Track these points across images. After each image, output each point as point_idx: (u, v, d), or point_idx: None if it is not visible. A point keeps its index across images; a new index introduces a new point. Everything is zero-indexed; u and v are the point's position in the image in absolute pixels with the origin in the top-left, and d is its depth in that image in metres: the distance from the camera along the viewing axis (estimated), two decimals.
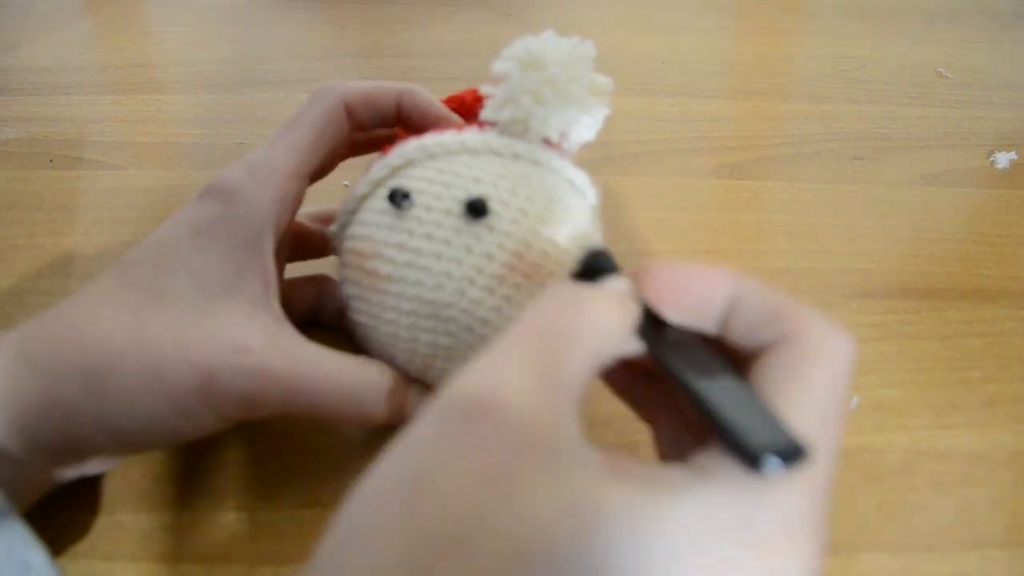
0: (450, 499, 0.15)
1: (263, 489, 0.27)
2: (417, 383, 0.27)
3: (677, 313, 0.19)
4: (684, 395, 0.18)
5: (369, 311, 0.26)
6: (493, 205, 0.25)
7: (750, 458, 0.15)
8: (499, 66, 0.26)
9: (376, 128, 0.30)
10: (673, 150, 0.48)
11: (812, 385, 0.17)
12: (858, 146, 0.49)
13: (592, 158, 0.49)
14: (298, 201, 0.27)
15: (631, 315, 0.19)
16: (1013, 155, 0.48)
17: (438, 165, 0.26)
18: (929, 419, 0.31)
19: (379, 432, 0.29)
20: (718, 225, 0.42)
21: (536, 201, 0.25)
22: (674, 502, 0.15)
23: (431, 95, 0.29)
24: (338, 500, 0.27)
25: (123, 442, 0.24)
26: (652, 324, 0.19)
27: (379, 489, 0.16)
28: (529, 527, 0.14)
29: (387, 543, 0.14)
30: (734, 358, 0.19)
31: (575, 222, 0.26)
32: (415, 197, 0.25)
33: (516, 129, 0.27)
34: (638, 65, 0.58)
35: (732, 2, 0.72)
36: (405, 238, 0.25)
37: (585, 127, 0.27)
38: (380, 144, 0.31)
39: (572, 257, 0.25)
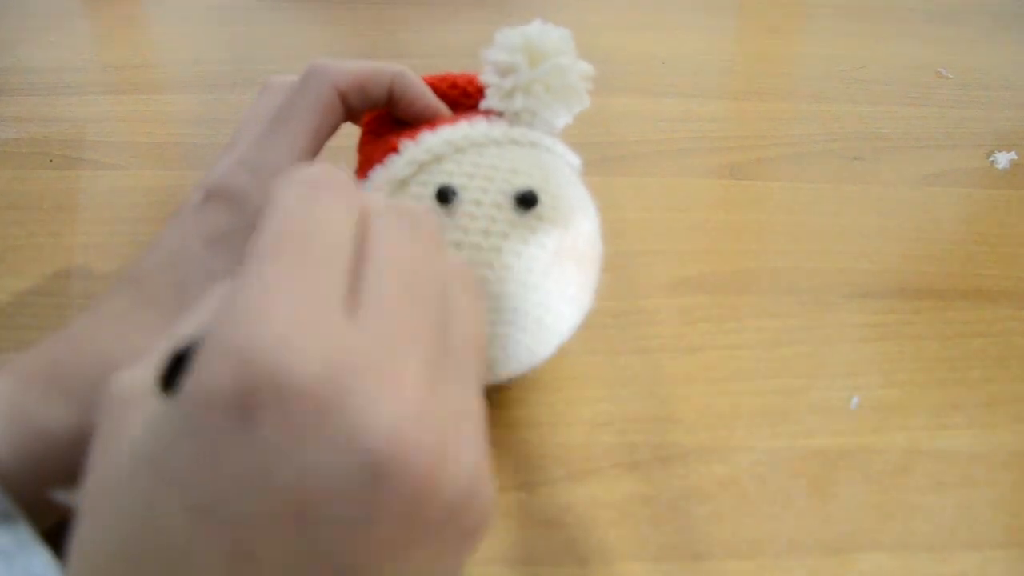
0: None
1: None
2: None
3: None
4: None
5: None
6: (539, 195, 0.25)
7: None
8: (501, 56, 0.27)
9: (364, 111, 0.29)
10: (673, 150, 0.48)
11: (261, 231, 0.16)
12: (858, 146, 0.49)
13: (592, 158, 0.49)
14: None
15: None
16: (1013, 155, 0.48)
17: (469, 159, 0.26)
18: (929, 419, 0.31)
19: None
20: (718, 225, 0.42)
21: (563, 187, 0.27)
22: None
23: (421, 81, 0.28)
24: None
25: None
26: None
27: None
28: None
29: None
30: None
31: (588, 202, 0.28)
32: (460, 193, 0.25)
33: (526, 118, 0.27)
34: (638, 65, 0.58)
35: (732, 2, 0.72)
36: (460, 235, 0.25)
37: (576, 111, 0.28)
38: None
39: (597, 237, 0.28)
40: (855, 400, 0.31)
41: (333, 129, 0.27)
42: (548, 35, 0.27)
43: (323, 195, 0.17)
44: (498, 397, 0.31)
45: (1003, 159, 0.48)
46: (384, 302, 0.15)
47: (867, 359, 0.33)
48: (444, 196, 0.25)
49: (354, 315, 0.15)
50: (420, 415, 0.14)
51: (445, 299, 0.17)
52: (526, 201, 0.25)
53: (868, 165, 0.47)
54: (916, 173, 0.46)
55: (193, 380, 0.14)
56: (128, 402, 0.15)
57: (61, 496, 0.23)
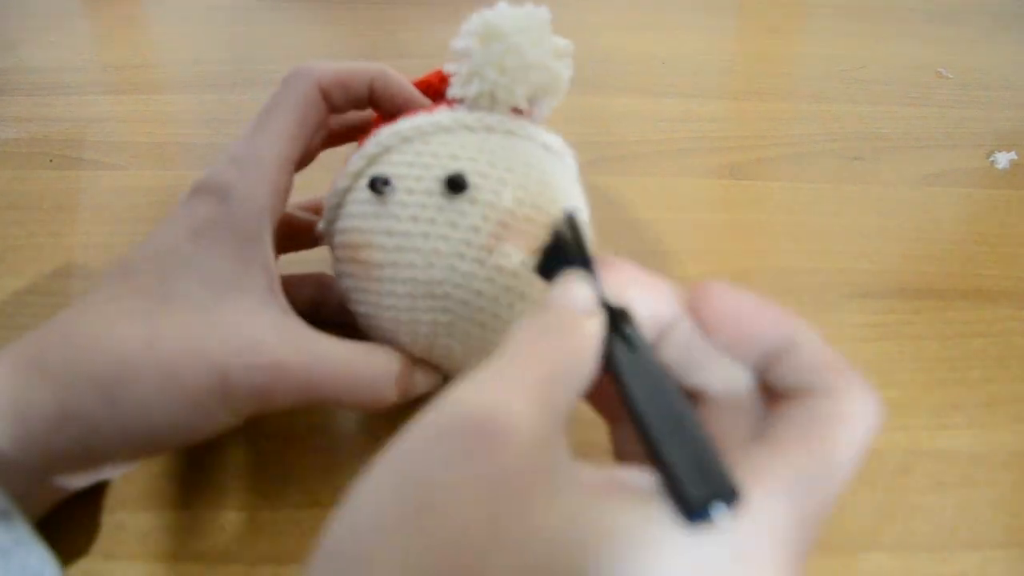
0: (457, 519, 0.14)
1: (263, 489, 0.27)
2: (422, 362, 0.27)
3: (724, 340, 0.19)
4: (634, 424, 0.17)
5: (368, 300, 0.26)
6: (472, 178, 0.25)
7: (684, 506, 0.15)
8: (459, 42, 0.26)
9: (350, 110, 0.30)
10: (673, 150, 0.48)
11: (832, 445, 0.17)
12: (858, 146, 0.49)
13: (592, 158, 0.49)
14: (288, 190, 0.27)
15: (600, 334, 0.19)
16: (1013, 155, 0.48)
17: (414, 148, 0.26)
18: (929, 419, 0.31)
19: (378, 432, 0.29)
20: (718, 225, 0.42)
21: (515, 169, 0.26)
22: (665, 522, 0.15)
23: (402, 77, 0.29)
24: (338, 500, 0.27)
25: (140, 447, 0.24)
26: (623, 336, 0.19)
27: (379, 506, 0.15)
28: (537, 542, 0.14)
29: (391, 562, 0.14)
30: (761, 389, 0.19)
31: (555, 185, 0.26)
32: (395, 182, 0.25)
33: (484, 102, 0.27)
34: (638, 65, 0.58)
35: (732, 2, 0.72)
36: (392, 223, 0.25)
37: (551, 91, 0.27)
38: (356, 134, 0.31)
39: (554, 219, 0.25)
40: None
41: (317, 124, 0.28)
42: (507, 15, 0.26)
43: None
44: None
45: (1003, 159, 0.48)
46: None
47: (867, 359, 0.33)
48: (374, 186, 0.25)
49: None
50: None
51: None
52: (454, 184, 0.25)
53: (868, 165, 0.47)
54: (916, 173, 0.46)
55: (442, 405, 0.16)
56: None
57: (54, 480, 0.23)
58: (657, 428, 0.16)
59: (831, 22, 0.68)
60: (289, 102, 0.27)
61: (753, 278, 0.38)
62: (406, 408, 0.27)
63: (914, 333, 0.35)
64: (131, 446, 0.23)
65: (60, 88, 0.53)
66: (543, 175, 0.26)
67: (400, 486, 0.15)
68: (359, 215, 0.26)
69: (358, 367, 0.25)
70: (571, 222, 0.21)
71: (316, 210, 0.33)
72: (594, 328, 0.18)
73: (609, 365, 0.18)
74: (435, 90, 0.30)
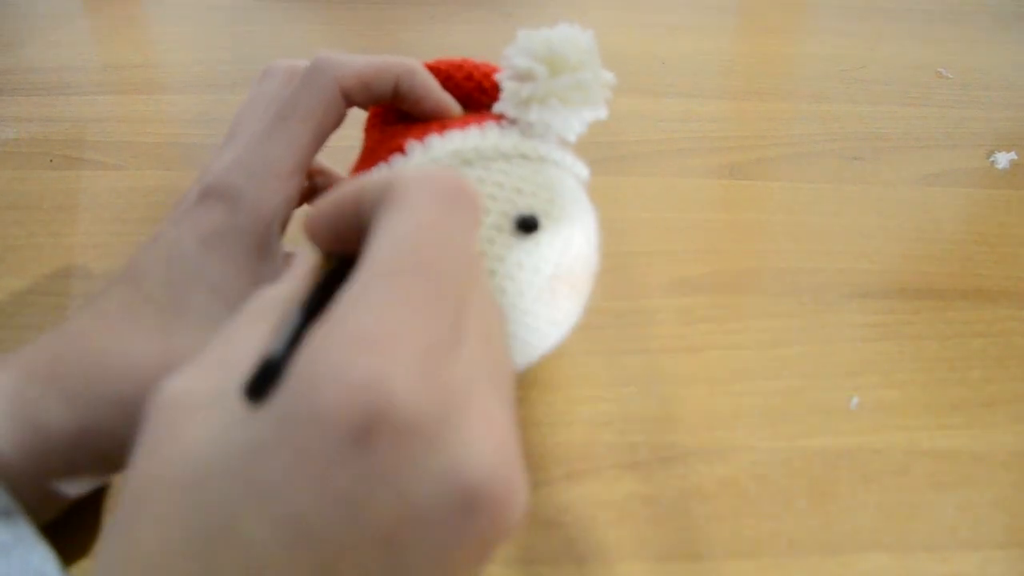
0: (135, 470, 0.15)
1: None
2: None
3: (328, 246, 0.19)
4: None
5: None
6: (540, 219, 0.25)
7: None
8: (522, 63, 0.26)
9: (369, 105, 0.28)
10: (673, 150, 0.48)
11: (386, 237, 0.16)
12: (858, 146, 0.49)
13: (592, 158, 0.49)
14: (300, 195, 0.27)
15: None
16: (1013, 155, 0.48)
17: (475, 173, 0.25)
18: (929, 419, 0.31)
19: None
20: (718, 225, 0.42)
21: (566, 208, 0.26)
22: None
23: (430, 78, 0.28)
24: None
25: None
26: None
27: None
28: (181, 465, 0.15)
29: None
30: None
31: (590, 219, 0.27)
32: None
33: (539, 130, 0.27)
34: (638, 65, 0.58)
35: (732, 2, 0.72)
36: None
37: (591, 122, 0.27)
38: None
39: (594, 256, 0.27)
40: (855, 400, 0.31)
41: (335, 126, 0.27)
42: (573, 43, 0.26)
43: (458, 215, 0.16)
44: None
45: (1003, 159, 0.48)
46: (475, 341, 0.16)
47: (867, 359, 0.33)
48: None
49: (457, 350, 0.15)
50: (506, 451, 0.15)
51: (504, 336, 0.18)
52: (527, 226, 0.25)
53: (868, 165, 0.47)
54: (916, 173, 0.46)
55: (299, 398, 0.14)
56: (185, 408, 0.15)
57: (66, 487, 0.23)
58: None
59: (831, 22, 0.68)
60: (308, 104, 0.26)
61: (753, 278, 0.38)
62: None
63: (914, 333, 0.35)
64: None
65: (60, 88, 0.53)
66: (584, 212, 0.27)
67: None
68: None
69: None
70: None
71: (308, 174, 0.32)
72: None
73: None
74: (457, 86, 0.29)
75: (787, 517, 0.27)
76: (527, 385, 0.31)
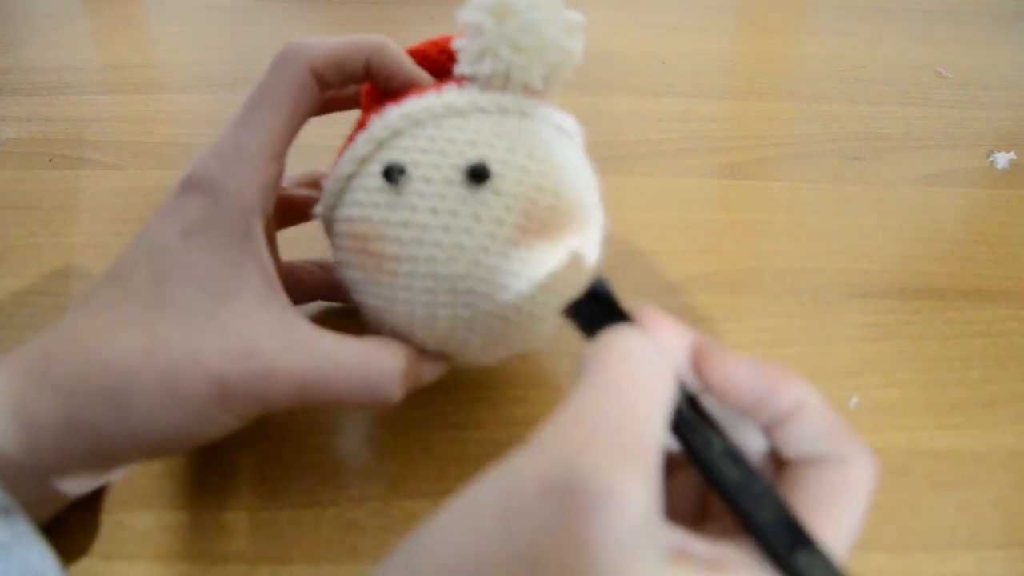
0: None
1: (262, 489, 0.27)
2: (429, 352, 0.26)
3: (738, 402, 0.19)
4: (716, 491, 0.18)
5: (379, 293, 0.25)
6: (494, 167, 0.24)
7: (781, 561, 0.17)
8: (469, 17, 0.25)
9: (344, 86, 0.28)
10: (673, 150, 0.48)
11: (849, 514, 0.18)
12: (858, 146, 0.49)
13: (592, 158, 0.49)
14: (279, 180, 0.26)
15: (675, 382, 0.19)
16: (1012, 155, 0.48)
17: (428, 132, 0.25)
18: (929, 419, 0.31)
19: (379, 433, 0.29)
20: (718, 225, 0.42)
21: (534, 155, 0.24)
22: None
23: (400, 51, 0.27)
24: (337, 500, 0.27)
25: (148, 451, 0.24)
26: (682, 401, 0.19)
27: (486, 555, 0.15)
28: None
29: None
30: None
31: (572, 169, 0.26)
32: (410, 170, 0.24)
33: (497, 82, 0.25)
34: (638, 65, 0.58)
35: (732, 2, 0.72)
36: (408, 215, 0.24)
37: (565, 69, 0.26)
38: (348, 102, 0.30)
39: (579, 206, 0.25)
40: (855, 400, 0.31)
41: (311, 108, 0.27)
42: None
43: None
44: (498, 396, 0.31)
45: (1003, 159, 0.48)
46: None
47: (867, 359, 0.33)
48: (390, 174, 0.24)
49: None
50: None
51: None
52: (477, 174, 0.23)
53: (868, 165, 0.47)
54: (916, 173, 0.46)
55: (540, 460, 0.16)
56: (622, 539, 0.15)
57: (64, 485, 0.23)
58: (744, 498, 0.18)
59: (831, 22, 0.68)
60: (279, 90, 0.25)
61: (753, 278, 0.38)
62: (410, 406, 0.27)
63: (914, 333, 0.35)
64: (139, 450, 0.23)
65: (60, 88, 0.53)
66: (561, 159, 0.25)
67: (510, 533, 0.15)
68: (368, 204, 0.25)
69: (360, 366, 0.24)
70: (604, 286, 0.21)
71: (314, 183, 0.32)
72: (674, 372, 0.19)
73: (676, 427, 0.19)
74: (432, 62, 0.28)
75: None
76: (527, 385, 0.31)
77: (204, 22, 0.65)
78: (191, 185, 0.25)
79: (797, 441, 0.19)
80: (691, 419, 0.19)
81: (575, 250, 0.25)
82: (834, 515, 0.18)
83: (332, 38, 0.26)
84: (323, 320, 0.33)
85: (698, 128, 0.50)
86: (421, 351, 0.26)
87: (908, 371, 0.33)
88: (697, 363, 0.20)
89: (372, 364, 0.24)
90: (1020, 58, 0.62)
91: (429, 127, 0.25)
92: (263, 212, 0.25)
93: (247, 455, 0.28)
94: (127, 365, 0.22)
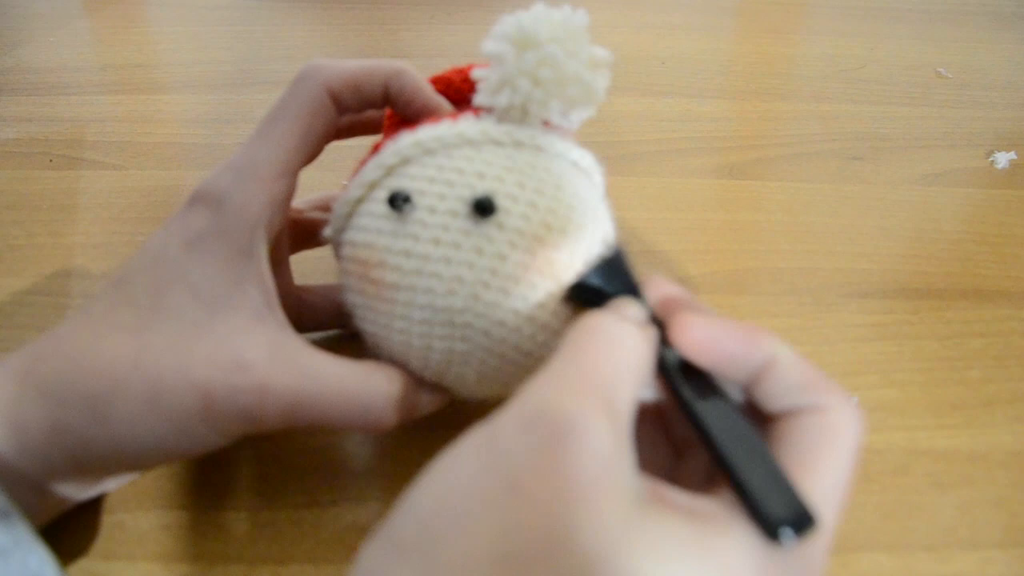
0: (544, 509, 0.16)
1: (262, 489, 0.27)
2: (430, 383, 0.26)
3: (710, 363, 0.20)
4: (703, 440, 0.19)
5: (377, 320, 0.25)
6: (501, 201, 0.23)
7: (768, 529, 0.17)
8: (490, 47, 0.24)
9: (364, 110, 0.28)
10: (673, 150, 0.48)
11: (832, 461, 0.18)
12: (858, 146, 0.49)
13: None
14: (289, 199, 0.26)
15: (653, 347, 0.20)
16: (1012, 155, 0.48)
17: (437, 161, 0.24)
18: (929, 419, 0.31)
19: (377, 434, 0.29)
20: (718, 225, 0.42)
21: (544, 192, 0.24)
22: (707, 542, 0.16)
23: (420, 77, 0.27)
24: (337, 500, 0.27)
25: (132, 462, 0.24)
26: (674, 362, 0.21)
27: (471, 486, 0.16)
28: (601, 547, 0.15)
29: (482, 541, 0.15)
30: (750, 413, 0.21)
31: (585, 208, 0.25)
32: (416, 199, 0.24)
33: (515, 115, 0.25)
34: (638, 65, 0.58)
35: (732, 2, 0.72)
36: (410, 244, 0.23)
37: (586, 105, 0.25)
38: (369, 127, 0.30)
39: (585, 248, 0.24)
40: (855, 400, 0.31)
41: (327, 129, 0.26)
42: (543, 20, 0.24)
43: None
44: (498, 397, 0.31)
45: (1003, 159, 0.48)
46: None
47: (867, 359, 0.33)
48: (394, 202, 0.23)
49: None
50: None
51: None
52: (481, 208, 0.23)
53: (868, 165, 0.47)
54: (916, 173, 0.46)
55: (523, 402, 0.18)
56: (593, 475, 0.17)
57: (65, 490, 0.23)
58: (732, 450, 0.18)
59: (831, 22, 0.68)
60: (294, 108, 0.26)
61: (752, 278, 0.38)
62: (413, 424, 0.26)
63: (914, 333, 0.35)
64: (123, 461, 0.23)
65: (60, 88, 0.53)
66: (572, 198, 0.24)
67: (491, 465, 0.17)
68: (373, 230, 0.24)
69: (353, 389, 0.23)
70: (618, 256, 0.23)
71: (325, 208, 0.32)
72: (648, 339, 0.20)
73: (669, 382, 0.20)
74: (456, 90, 0.28)
75: None
76: None
77: (204, 22, 0.65)
78: (199, 198, 0.25)
79: (773, 396, 0.20)
80: (684, 377, 0.20)
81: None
82: (816, 465, 0.18)
83: (352, 60, 0.26)
84: (333, 346, 0.33)
85: (698, 128, 0.50)
86: (420, 380, 0.25)
87: (907, 371, 0.33)
88: (668, 327, 0.21)
89: (367, 387, 0.23)
90: (1020, 58, 0.62)
91: (440, 156, 0.24)
92: (268, 228, 0.25)
93: (247, 455, 0.28)
94: (113, 372, 0.22)
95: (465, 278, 0.23)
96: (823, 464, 0.18)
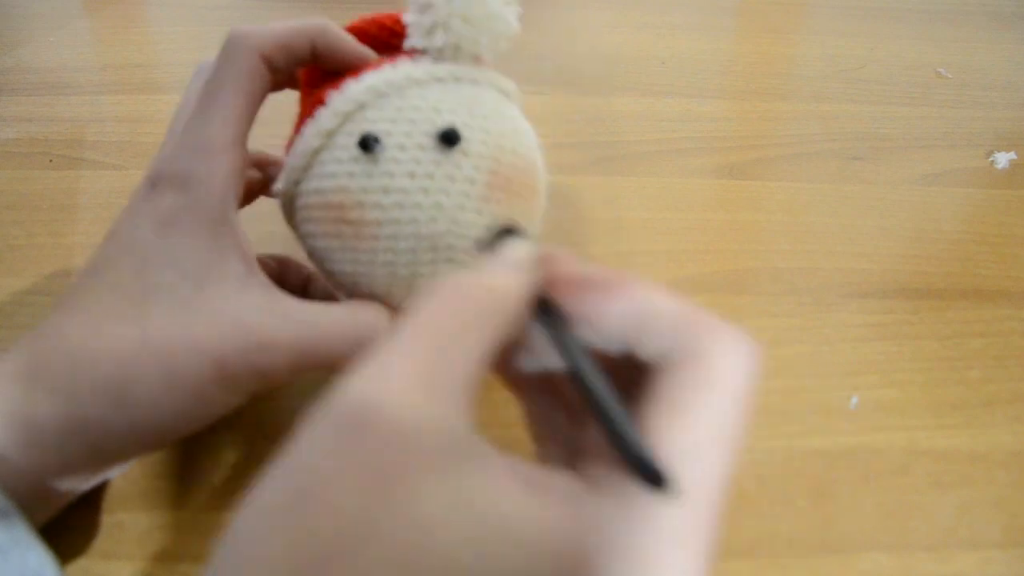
0: (336, 508, 0.15)
1: None
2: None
3: (584, 320, 0.19)
4: (581, 393, 0.18)
5: (359, 259, 0.26)
6: (462, 131, 0.26)
7: (655, 479, 0.15)
8: None
9: (292, 69, 0.29)
10: (673, 150, 0.48)
11: (706, 414, 0.17)
12: (858, 146, 0.49)
13: (592, 158, 0.49)
14: (245, 166, 0.27)
15: (521, 296, 0.19)
16: (1012, 155, 0.48)
17: (393, 103, 0.26)
18: (929, 419, 0.31)
19: None
20: (718, 225, 0.42)
21: (491, 118, 0.27)
22: (575, 516, 0.15)
23: (343, 32, 0.28)
24: None
25: (151, 442, 0.24)
26: (548, 316, 0.20)
27: (267, 501, 0.16)
28: (418, 530, 0.14)
29: (274, 554, 0.14)
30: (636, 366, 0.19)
31: (523, 130, 0.28)
32: (384, 139, 0.25)
33: (448, 53, 0.27)
34: (638, 65, 0.58)
35: (732, 2, 0.72)
36: (387, 181, 0.25)
37: (507, 36, 0.27)
38: (291, 83, 0.31)
39: (533, 163, 0.28)
40: (855, 400, 0.31)
41: (264, 93, 0.27)
42: None
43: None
44: (498, 397, 0.31)
45: (1003, 159, 0.48)
46: None
47: (867, 359, 0.33)
48: (366, 144, 0.25)
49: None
50: None
51: None
52: (448, 138, 0.25)
53: (868, 165, 0.47)
54: (916, 173, 0.46)
55: (329, 398, 0.16)
56: (413, 450, 0.15)
57: (63, 484, 0.23)
58: (609, 406, 0.17)
59: (831, 22, 0.68)
60: (232, 76, 0.26)
61: (753, 278, 0.38)
62: None
63: (914, 333, 0.35)
64: (142, 442, 0.24)
65: (60, 88, 0.53)
66: (511, 121, 0.28)
67: (284, 476, 0.16)
68: (342, 174, 0.26)
69: (348, 327, 0.25)
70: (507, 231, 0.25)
71: (257, 164, 0.32)
72: (512, 282, 0.19)
73: (555, 342, 0.19)
74: (373, 38, 0.29)
75: (787, 517, 0.27)
76: None
77: (204, 22, 0.65)
78: (159, 181, 0.25)
79: (647, 345, 0.18)
80: (558, 333, 0.19)
81: (533, 203, 0.28)
82: (687, 420, 0.17)
83: (276, 23, 0.27)
84: None
85: (698, 128, 0.50)
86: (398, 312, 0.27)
87: (907, 371, 0.33)
88: (546, 278, 0.20)
89: (358, 323, 0.25)
90: (1020, 58, 0.62)
91: (393, 98, 0.26)
92: (236, 198, 0.26)
93: (247, 455, 0.28)
94: (123, 355, 0.22)
95: (444, 204, 0.25)
96: (695, 418, 0.17)
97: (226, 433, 0.26)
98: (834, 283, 0.37)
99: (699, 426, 0.17)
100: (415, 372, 0.16)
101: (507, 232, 0.25)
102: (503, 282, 0.19)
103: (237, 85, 0.26)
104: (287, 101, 0.30)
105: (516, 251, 0.21)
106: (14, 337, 0.33)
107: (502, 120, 0.27)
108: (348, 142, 0.26)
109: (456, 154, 0.25)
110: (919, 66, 0.59)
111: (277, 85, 0.30)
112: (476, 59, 0.28)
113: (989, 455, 0.29)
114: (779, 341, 0.34)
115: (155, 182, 0.25)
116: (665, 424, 0.17)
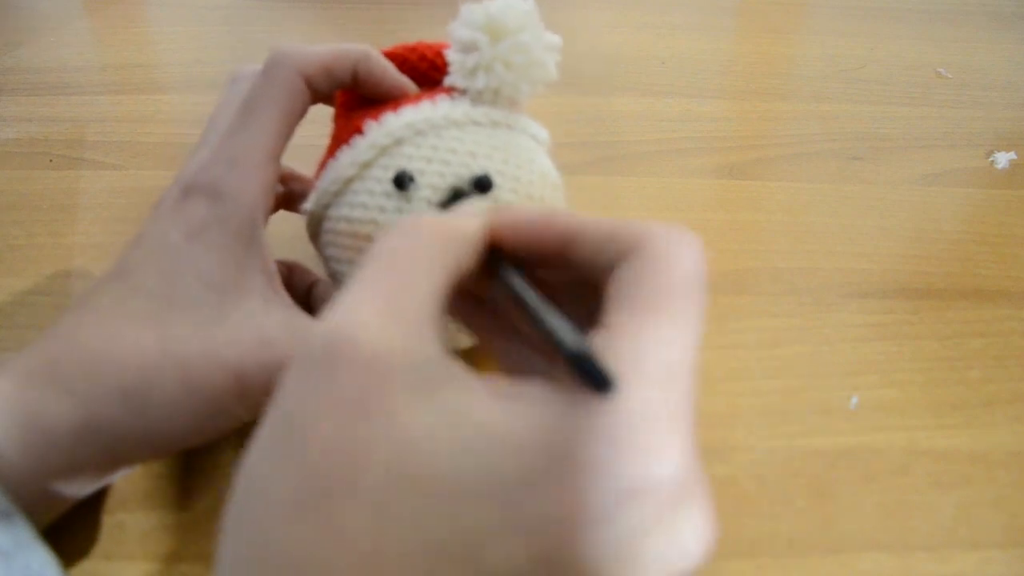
0: (326, 443, 0.15)
1: None
2: None
3: (522, 247, 0.20)
4: (531, 322, 0.18)
5: None
6: (494, 178, 0.26)
7: (603, 382, 0.15)
8: (463, 34, 0.27)
9: (332, 92, 0.29)
10: (673, 150, 0.48)
11: (661, 296, 0.18)
12: (858, 146, 0.49)
13: (592, 158, 0.49)
14: (276, 183, 0.27)
15: (475, 232, 0.20)
16: (1012, 155, 0.48)
17: (429, 142, 0.27)
18: (929, 419, 0.31)
19: None
20: (718, 225, 0.42)
21: (523, 166, 0.27)
22: (549, 413, 0.15)
23: (385, 60, 0.28)
24: None
25: (163, 449, 0.24)
26: (498, 260, 0.21)
27: (261, 447, 0.16)
28: (405, 446, 0.15)
29: (274, 496, 0.15)
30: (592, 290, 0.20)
31: (551, 178, 0.29)
32: (417, 178, 0.26)
33: (487, 96, 0.28)
34: (638, 65, 0.58)
35: (732, 2, 0.72)
36: None
37: (545, 84, 0.28)
38: (325, 99, 0.31)
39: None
40: (855, 400, 0.31)
41: (302, 113, 0.27)
42: (510, 10, 0.26)
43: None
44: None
45: (1003, 159, 0.48)
46: None
47: (867, 359, 0.33)
48: (400, 182, 0.26)
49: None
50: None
51: None
52: (481, 186, 0.26)
53: (868, 165, 0.47)
54: (916, 173, 0.46)
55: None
56: (389, 374, 0.16)
57: (68, 488, 0.23)
58: (546, 314, 0.17)
59: (831, 22, 0.68)
60: (272, 94, 0.26)
61: (753, 278, 0.38)
62: None
63: (914, 333, 0.35)
64: (154, 449, 0.24)
65: (60, 88, 0.53)
66: (541, 168, 0.28)
67: (274, 420, 0.16)
68: (374, 207, 0.26)
69: None
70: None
71: (282, 178, 0.33)
72: (465, 221, 0.20)
73: (505, 285, 0.20)
74: (412, 68, 0.30)
75: (787, 517, 0.27)
76: None
77: (204, 22, 0.65)
78: (192, 190, 0.25)
79: (585, 260, 0.19)
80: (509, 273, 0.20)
81: None
82: (644, 307, 0.17)
83: (320, 46, 0.27)
84: None
85: (698, 128, 0.50)
86: None
87: (907, 371, 0.33)
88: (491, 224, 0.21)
89: None
90: (1020, 58, 0.62)
91: (430, 136, 0.27)
92: (265, 214, 0.26)
93: None
94: (143, 362, 0.22)
95: None
96: (645, 316, 0.17)
97: (226, 433, 0.26)
98: (834, 283, 0.38)
99: (653, 326, 0.17)
100: (383, 303, 0.17)
101: (463, 194, 0.26)
102: (457, 221, 0.20)
103: (277, 103, 0.26)
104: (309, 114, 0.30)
105: (472, 206, 0.22)
106: (14, 337, 0.33)
107: (532, 168, 0.28)
108: (382, 175, 0.26)
109: (486, 201, 0.26)
110: (919, 66, 0.59)
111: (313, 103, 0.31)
112: (513, 103, 0.28)
113: (989, 455, 0.29)
114: (779, 341, 0.34)
115: (188, 191, 0.25)
116: (626, 318, 0.17)
